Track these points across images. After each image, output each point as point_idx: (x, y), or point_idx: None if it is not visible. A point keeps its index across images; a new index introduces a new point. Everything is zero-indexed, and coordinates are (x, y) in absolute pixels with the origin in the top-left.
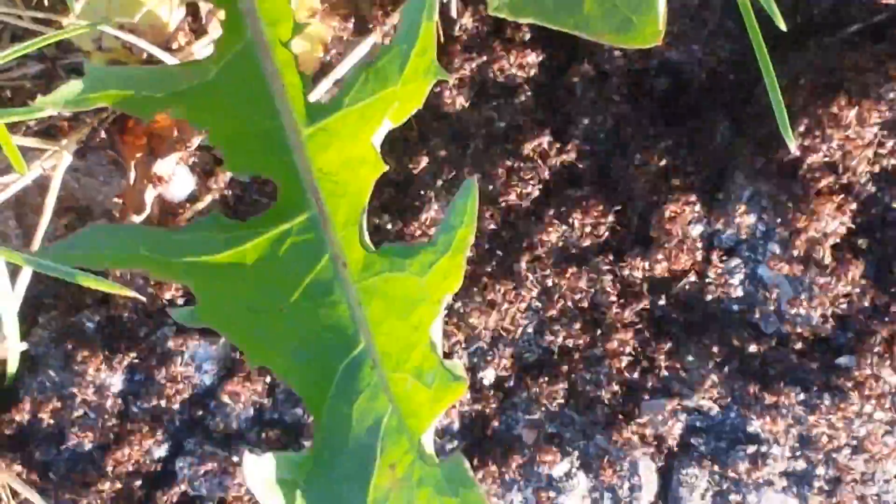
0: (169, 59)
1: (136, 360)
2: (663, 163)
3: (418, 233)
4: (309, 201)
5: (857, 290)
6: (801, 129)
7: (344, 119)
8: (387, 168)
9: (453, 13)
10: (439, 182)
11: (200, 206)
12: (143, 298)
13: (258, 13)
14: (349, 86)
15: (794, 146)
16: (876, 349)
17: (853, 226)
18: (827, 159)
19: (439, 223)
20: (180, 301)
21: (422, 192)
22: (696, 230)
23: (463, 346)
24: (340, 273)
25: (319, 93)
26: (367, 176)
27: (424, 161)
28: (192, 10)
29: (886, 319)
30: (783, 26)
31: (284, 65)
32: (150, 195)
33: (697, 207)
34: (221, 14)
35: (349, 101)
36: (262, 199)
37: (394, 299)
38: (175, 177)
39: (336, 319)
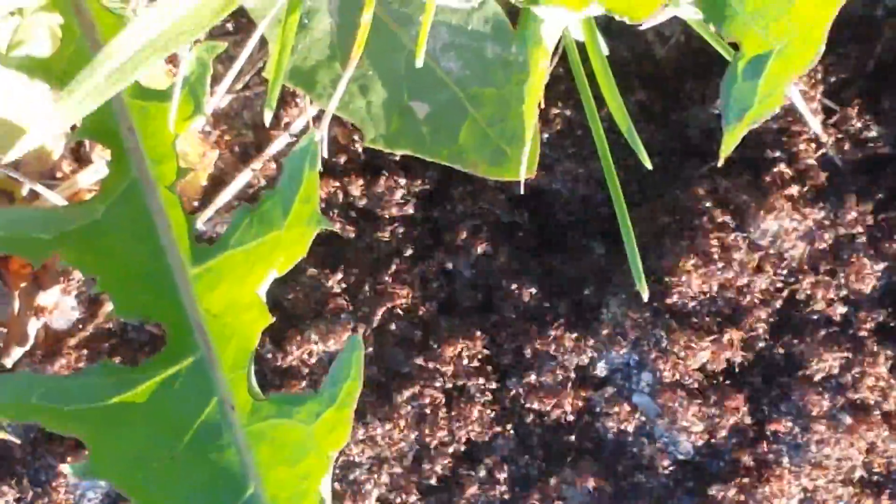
0: (50, 195)
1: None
2: (537, 291)
3: (296, 363)
4: (196, 343)
5: (731, 419)
6: (676, 266)
7: (230, 260)
8: (273, 320)
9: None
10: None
11: (84, 334)
12: (18, 441)
13: (143, 152)
14: (234, 227)
15: (646, 296)
16: (745, 479)
17: (728, 357)
18: (698, 293)
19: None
20: None
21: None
22: (570, 359)
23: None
24: (229, 416)
25: (203, 220)
26: (253, 323)
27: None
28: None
29: (758, 449)
30: (649, 165)
31: (169, 204)
32: (33, 326)
33: (572, 336)
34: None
35: (234, 243)
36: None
37: (282, 446)
38: (59, 307)
39: (225, 464)
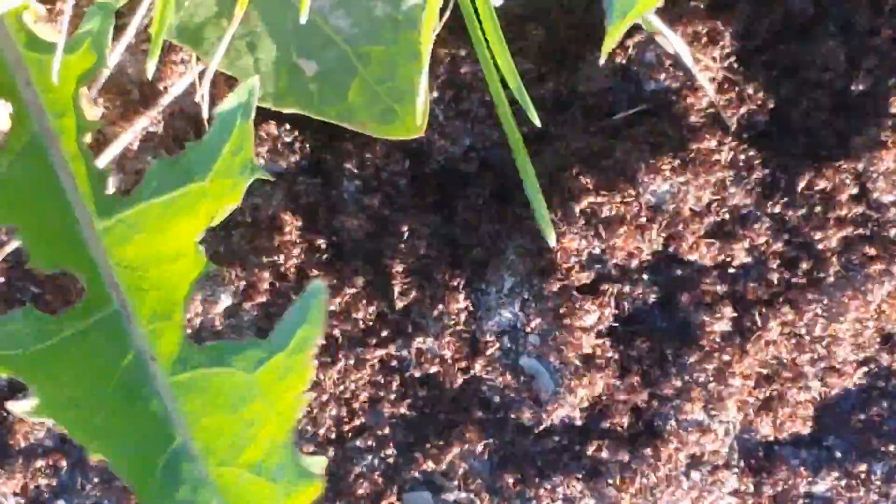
0: None
1: None
2: (426, 250)
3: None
4: (109, 296)
5: (619, 383)
6: (562, 222)
7: (145, 212)
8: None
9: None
10: None
11: None
12: None
13: (43, 105)
14: (149, 179)
15: (553, 240)
16: (632, 443)
17: (613, 322)
18: (586, 256)
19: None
20: None
21: None
22: (458, 319)
23: None
24: (149, 368)
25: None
26: (183, 271)
27: None
28: None
29: (646, 413)
30: (538, 122)
31: (74, 157)
32: None
33: (460, 296)
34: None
35: (150, 195)
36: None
37: (217, 395)
38: None
39: (150, 414)
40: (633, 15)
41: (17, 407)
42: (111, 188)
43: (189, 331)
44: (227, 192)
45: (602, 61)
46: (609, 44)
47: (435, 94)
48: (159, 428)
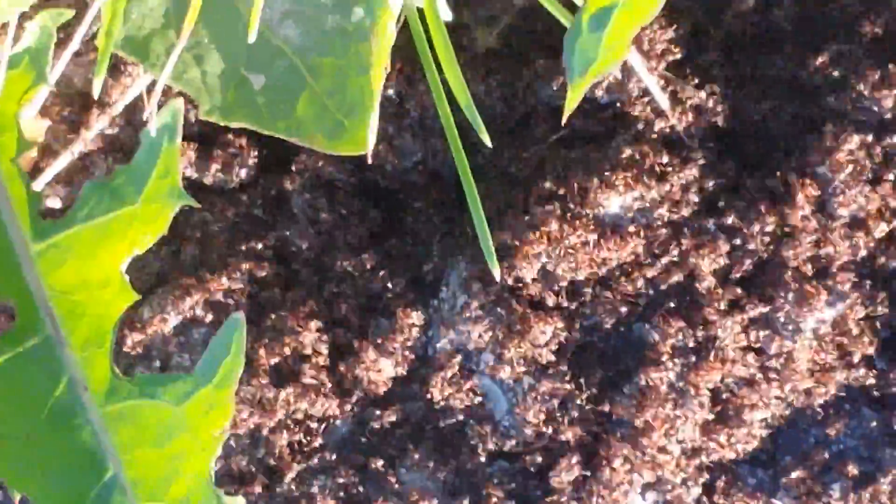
0: None
1: None
2: (376, 267)
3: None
4: (42, 321)
5: (572, 401)
6: (515, 238)
7: (78, 236)
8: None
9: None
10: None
11: None
12: None
13: None
14: (83, 202)
15: (498, 274)
16: (587, 463)
17: (566, 339)
18: (540, 272)
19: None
20: None
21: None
22: (409, 338)
23: None
24: (82, 397)
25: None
26: (111, 300)
27: None
28: None
29: (602, 432)
30: (489, 143)
31: (9, 176)
32: None
33: (410, 314)
34: None
35: (83, 217)
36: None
37: (145, 427)
38: None
39: (82, 446)
40: (592, 74)
41: None
42: (59, 203)
43: (137, 351)
44: (155, 216)
45: (564, 120)
46: (571, 103)
47: (385, 109)
48: (91, 460)
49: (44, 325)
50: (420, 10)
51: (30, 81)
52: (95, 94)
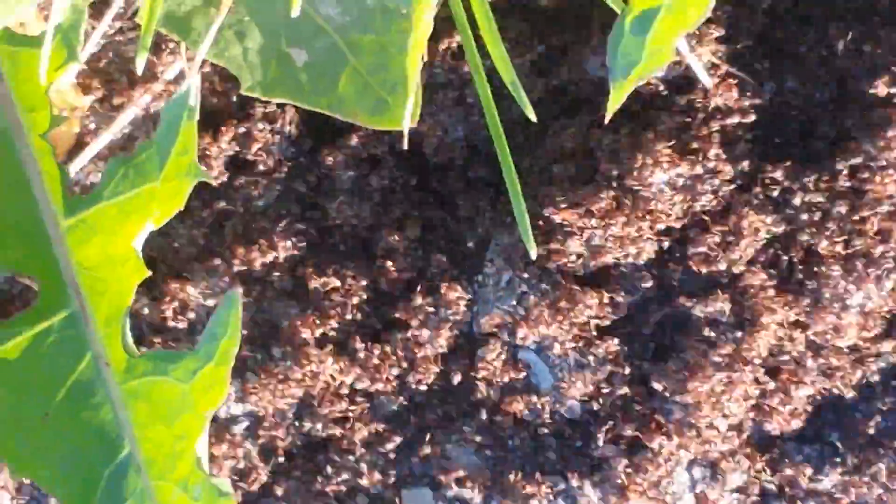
0: None
1: None
2: (418, 243)
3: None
4: (70, 297)
5: (617, 378)
6: (559, 219)
7: (104, 213)
8: (150, 274)
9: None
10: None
11: None
12: None
13: (14, 99)
14: (108, 178)
15: (534, 253)
16: (632, 439)
17: (612, 315)
18: (585, 248)
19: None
20: None
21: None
22: (453, 314)
23: None
24: (103, 373)
25: (76, 169)
26: (128, 277)
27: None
28: None
29: (645, 408)
30: (533, 117)
31: (42, 153)
32: None
33: (454, 289)
34: None
35: (108, 195)
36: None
37: (158, 404)
38: None
39: (100, 423)
40: (634, 77)
41: None
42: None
43: (181, 325)
44: (174, 194)
45: (607, 120)
46: (613, 106)
47: (425, 84)
48: (107, 438)
49: (70, 301)
50: None
51: (61, 59)
52: (139, 70)
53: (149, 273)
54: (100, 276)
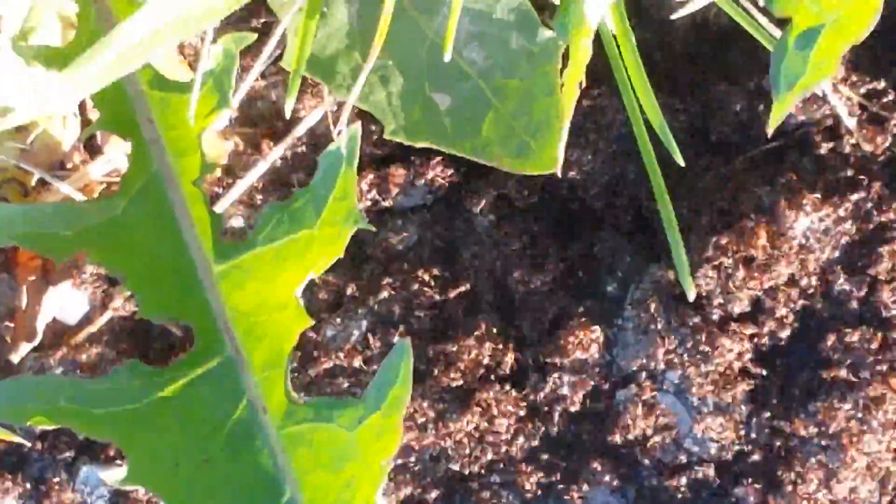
0: (61, 185)
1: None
2: (559, 286)
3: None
4: (223, 342)
5: (758, 421)
6: (702, 263)
7: (258, 258)
8: (312, 323)
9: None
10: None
11: (93, 328)
12: (29, 444)
13: (164, 144)
14: (263, 224)
15: (692, 295)
16: (772, 483)
17: (753, 357)
18: (725, 292)
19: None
20: None
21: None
22: (593, 356)
23: None
24: (261, 418)
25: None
26: (288, 323)
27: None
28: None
29: (785, 452)
30: (681, 161)
31: (192, 198)
32: (42, 321)
33: (595, 332)
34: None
35: (263, 240)
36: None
37: (321, 451)
38: (68, 301)
39: (260, 467)
40: (798, 90)
41: (109, 476)
42: (241, 223)
43: (322, 370)
44: (333, 240)
45: (770, 132)
46: (777, 118)
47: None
48: (269, 483)
49: (224, 347)
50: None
51: (213, 104)
52: (287, 114)
53: (312, 322)
54: (256, 321)
